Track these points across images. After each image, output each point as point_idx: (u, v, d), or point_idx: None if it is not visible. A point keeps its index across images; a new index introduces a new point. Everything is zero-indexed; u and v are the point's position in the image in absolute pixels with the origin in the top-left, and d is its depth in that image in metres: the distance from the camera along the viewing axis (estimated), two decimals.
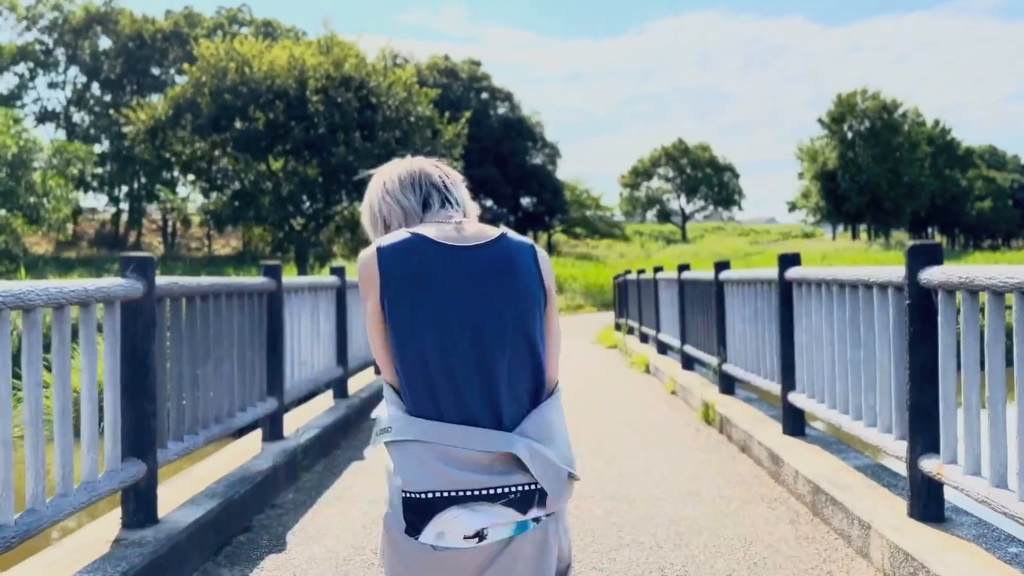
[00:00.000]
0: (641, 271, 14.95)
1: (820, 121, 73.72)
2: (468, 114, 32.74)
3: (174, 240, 54.17)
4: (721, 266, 7.54)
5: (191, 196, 28.85)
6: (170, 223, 52.90)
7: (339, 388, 7.40)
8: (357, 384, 8.12)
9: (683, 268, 9.75)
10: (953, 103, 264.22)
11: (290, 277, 6.14)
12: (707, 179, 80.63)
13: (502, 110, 62.16)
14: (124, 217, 53.03)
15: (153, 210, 54.06)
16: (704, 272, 8.47)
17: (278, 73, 26.74)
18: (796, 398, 5.25)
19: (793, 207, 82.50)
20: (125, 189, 51.83)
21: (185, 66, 27.39)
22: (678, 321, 9.65)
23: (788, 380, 5.37)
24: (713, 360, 7.63)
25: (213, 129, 26.74)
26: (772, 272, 5.72)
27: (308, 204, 26.62)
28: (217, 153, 28.54)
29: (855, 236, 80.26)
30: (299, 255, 27.21)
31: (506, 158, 58.63)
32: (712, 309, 7.62)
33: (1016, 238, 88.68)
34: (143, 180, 49.72)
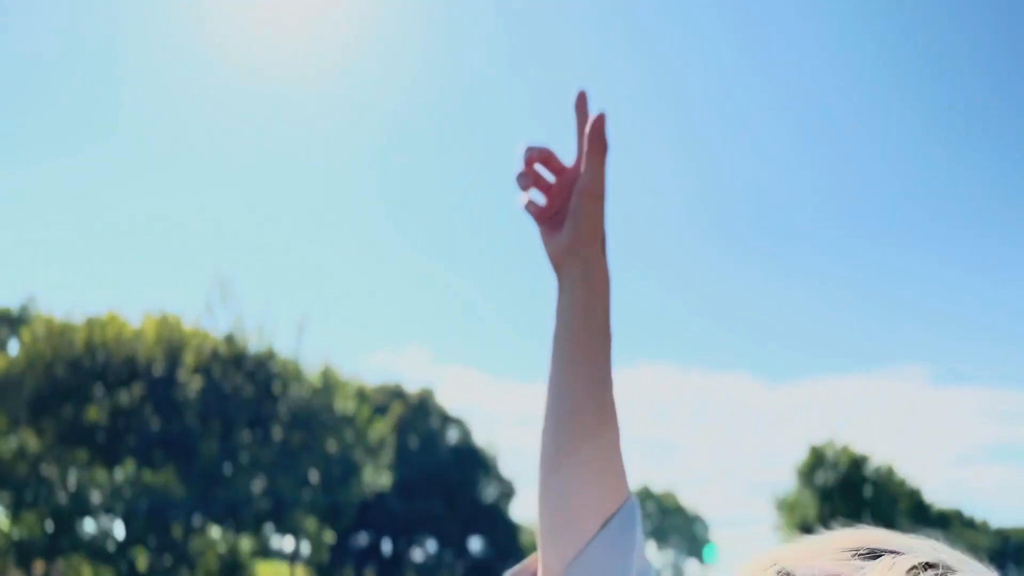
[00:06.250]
0: None
1: (798, 471, 66.79)
2: (398, 408, 24.33)
3: None
4: None
5: None
6: None
7: None
8: None
9: None
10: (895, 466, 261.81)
11: None
12: (677, 528, 70.80)
13: (453, 439, 53.53)
14: None
15: None
16: None
17: (142, 343, 18.52)
18: None
19: None
20: None
21: (23, 331, 19.17)
22: None
23: None
24: None
25: (33, 415, 17.79)
26: None
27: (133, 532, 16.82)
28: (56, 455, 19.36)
29: None
30: None
31: (455, 491, 49.12)
32: None
33: None
34: None
